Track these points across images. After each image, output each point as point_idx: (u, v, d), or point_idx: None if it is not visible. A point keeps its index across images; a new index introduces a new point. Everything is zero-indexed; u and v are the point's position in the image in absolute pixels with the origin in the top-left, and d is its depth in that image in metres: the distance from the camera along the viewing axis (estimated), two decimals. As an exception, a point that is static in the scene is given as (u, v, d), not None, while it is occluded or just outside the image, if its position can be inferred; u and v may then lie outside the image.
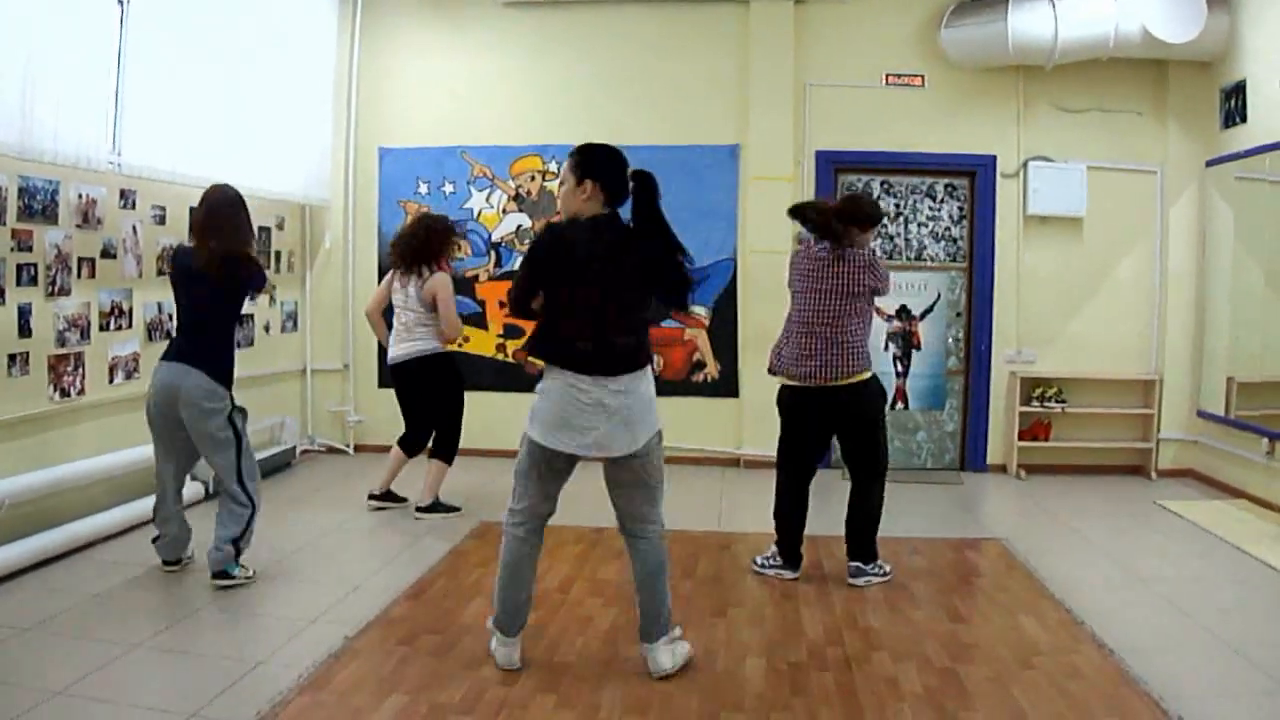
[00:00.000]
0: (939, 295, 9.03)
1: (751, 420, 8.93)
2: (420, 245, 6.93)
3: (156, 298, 7.01)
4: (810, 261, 5.62)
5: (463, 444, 7.16)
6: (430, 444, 7.17)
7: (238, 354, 5.63)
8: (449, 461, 7.12)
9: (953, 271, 9.07)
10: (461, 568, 5.93)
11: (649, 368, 4.30)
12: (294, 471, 8.61)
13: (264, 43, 7.92)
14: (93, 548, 6.06)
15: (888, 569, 5.77)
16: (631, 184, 4.20)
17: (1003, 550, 6.46)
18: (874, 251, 5.63)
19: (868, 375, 5.56)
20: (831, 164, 8.97)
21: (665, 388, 8.86)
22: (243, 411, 5.55)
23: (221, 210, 5.44)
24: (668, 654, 4.35)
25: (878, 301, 5.71)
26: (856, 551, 5.73)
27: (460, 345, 9.09)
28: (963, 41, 8.51)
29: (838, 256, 5.51)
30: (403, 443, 7.21)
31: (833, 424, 5.70)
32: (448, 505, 7.10)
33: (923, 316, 9.02)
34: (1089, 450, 8.93)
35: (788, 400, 5.73)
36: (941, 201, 9.05)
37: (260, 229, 8.46)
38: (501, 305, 9.19)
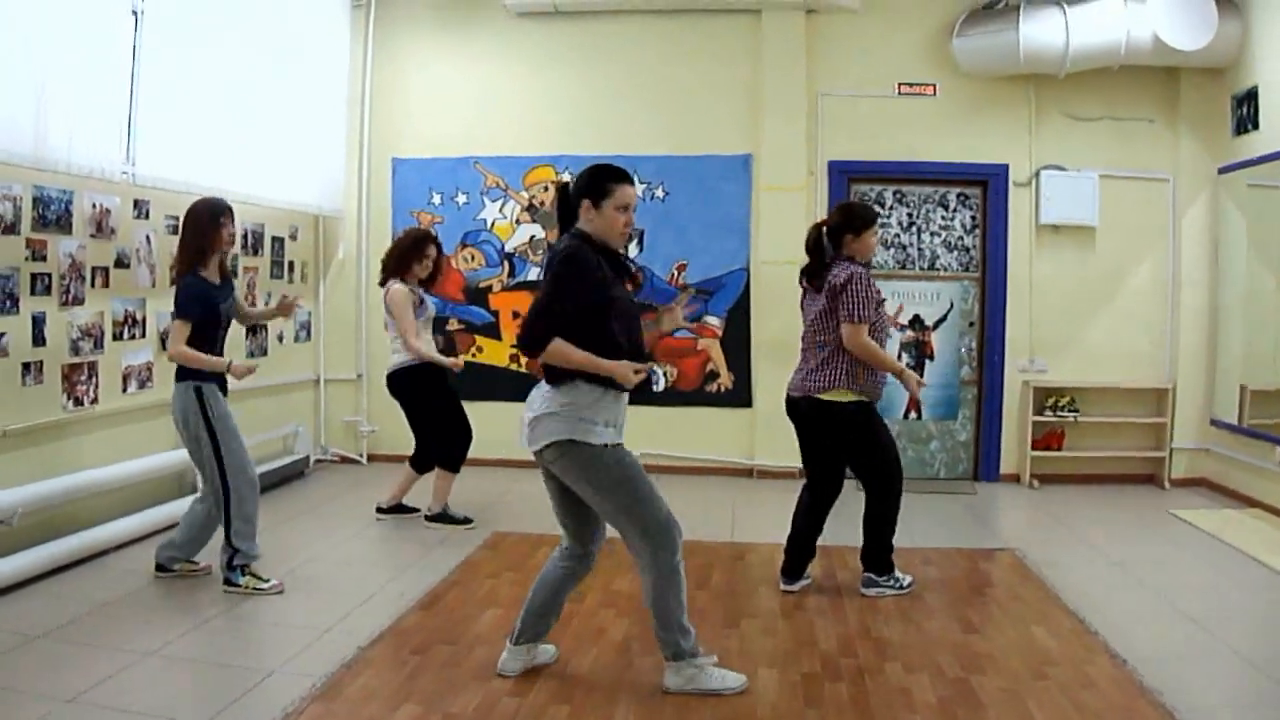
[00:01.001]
0: (952, 305, 9.02)
1: (764, 430, 8.92)
2: (387, 259, 7.04)
3: (170, 307, 7.01)
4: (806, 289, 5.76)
5: (476, 454, 7.16)
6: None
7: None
8: (450, 469, 7.10)
9: (965, 281, 9.06)
10: (474, 578, 5.93)
11: (571, 383, 4.13)
12: (307, 481, 8.62)
13: (278, 54, 7.95)
14: (105, 556, 6.08)
15: (905, 582, 5.73)
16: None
17: (1016, 560, 6.45)
18: (859, 278, 5.40)
19: (836, 396, 5.45)
20: (844, 173, 8.97)
21: (678, 398, 8.95)
22: (213, 401, 5.46)
23: (181, 226, 5.56)
24: (675, 678, 4.30)
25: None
26: (867, 562, 5.73)
27: (474, 355, 9.12)
28: (974, 51, 8.51)
29: (819, 281, 5.57)
30: (411, 459, 7.25)
31: (812, 435, 5.70)
32: (455, 516, 7.10)
33: (935, 326, 9.01)
34: (1102, 460, 8.90)
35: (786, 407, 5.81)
36: (954, 211, 9.04)
37: (274, 239, 8.52)
38: (516, 316, 9.22)
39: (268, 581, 5.55)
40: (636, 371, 4.06)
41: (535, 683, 4.36)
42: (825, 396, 5.46)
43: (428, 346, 6.94)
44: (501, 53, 9.25)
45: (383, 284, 6.95)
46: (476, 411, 7.23)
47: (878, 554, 5.69)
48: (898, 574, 5.74)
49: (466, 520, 7.09)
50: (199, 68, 6.95)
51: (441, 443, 7.07)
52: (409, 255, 6.89)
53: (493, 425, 7.59)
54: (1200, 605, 5.54)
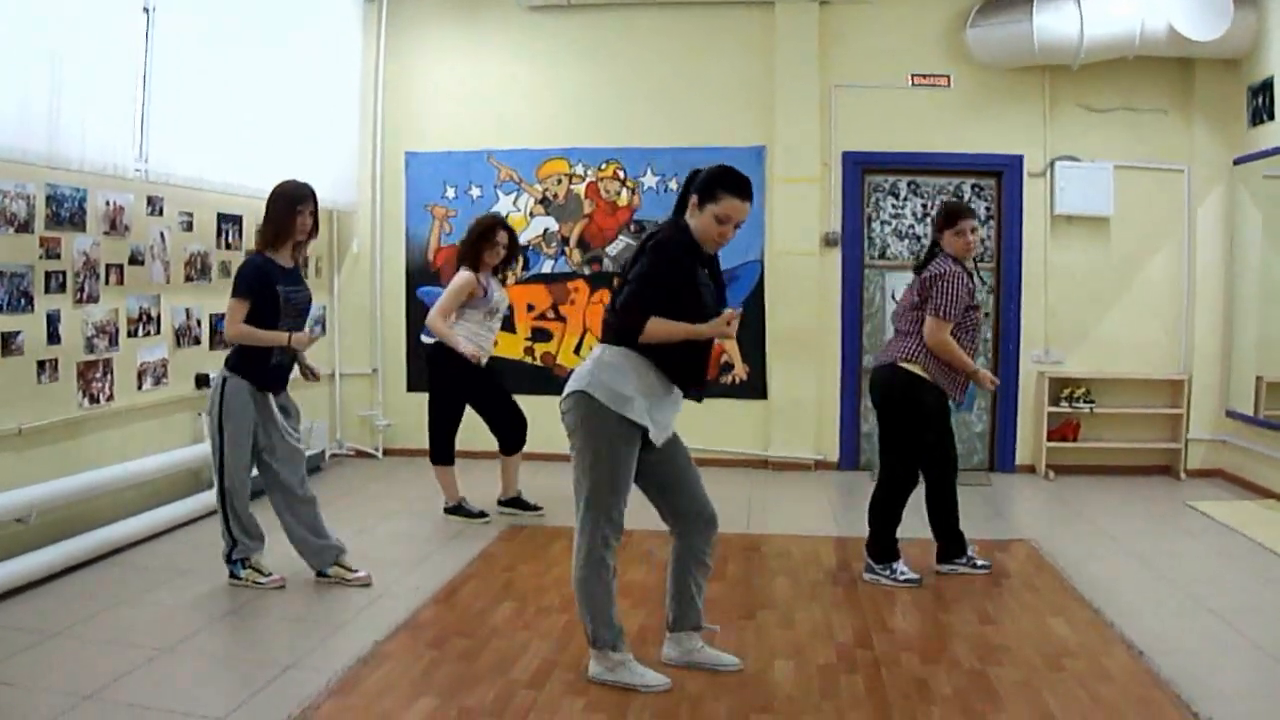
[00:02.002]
0: (966, 296, 8.99)
1: (779, 422, 8.94)
2: (459, 249, 7.07)
3: (184, 303, 7.05)
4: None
5: (491, 447, 7.14)
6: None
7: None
8: (435, 461, 7.10)
9: (980, 272, 9.01)
10: (490, 571, 5.93)
11: (619, 347, 4.19)
12: (322, 476, 8.62)
13: (290, 49, 7.97)
14: (122, 553, 6.08)
15: (904, 577, 5.68)
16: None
17: (1032, 551, 6.44)
18: (954, 276, 5.49)
19: (915, 368, 5.55)
20: (858, 165, 8.96)
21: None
22: (232, 397, 5.40)
23: (265, 206, 5.47)
24: (595, 665, 4.29)
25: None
26: (869, 546, 5.77)
27: (489, 348, 9.10)
28: (988, 41, 8.48)
29: (922, 271, 5.70)
30: (500, 448, 7.19)
31: (883, 413, 5.80)
32: (470, 510, 7.10)
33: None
34: (1118, 451, 8.88)
35: None
36: (968, 202, 9.00)
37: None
38: (530, 309, 9.23)
39: (268, 576, 5.54)
40: (729, 322, 4.15)
41: (551, 675, 4.36)
42: (906, 365, 5.57)
43: (487, 330, 7.07)
44: (514, 46, 9.25)
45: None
46: (490, 405, 7.21)
47: (878, 540, 5.73)
48: (896, 565, 5.73)
49: (482, 514, 7.09)
50: (211, 64, 6.96)
51: (440, 435, 7.06)
52: (479, 244, 6.86)
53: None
54: (1217, 596, 5.52)
